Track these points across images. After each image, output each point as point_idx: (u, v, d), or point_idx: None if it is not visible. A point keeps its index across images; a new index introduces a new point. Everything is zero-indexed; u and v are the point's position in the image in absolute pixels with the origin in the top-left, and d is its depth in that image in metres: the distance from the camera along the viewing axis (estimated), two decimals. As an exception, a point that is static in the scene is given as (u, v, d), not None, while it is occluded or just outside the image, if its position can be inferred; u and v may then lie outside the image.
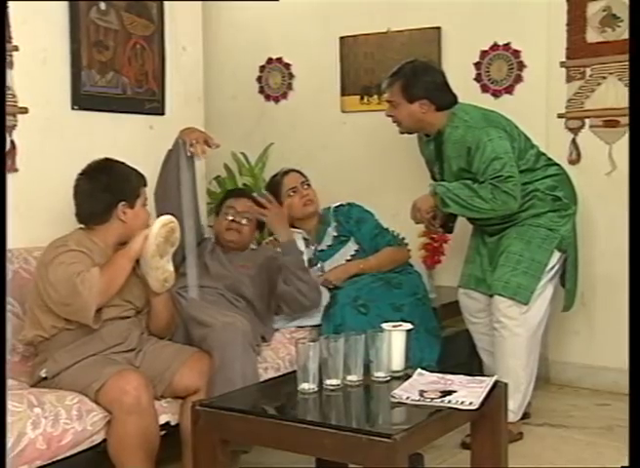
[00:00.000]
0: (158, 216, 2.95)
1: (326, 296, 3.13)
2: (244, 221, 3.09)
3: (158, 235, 2.39)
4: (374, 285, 3.12)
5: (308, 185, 3.35)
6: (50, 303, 2.42)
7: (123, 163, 2.60)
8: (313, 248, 3.31)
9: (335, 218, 3.32)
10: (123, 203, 2.52)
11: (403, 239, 3.34)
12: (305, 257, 3.19)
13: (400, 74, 3.07)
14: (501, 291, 3.00)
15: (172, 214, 2.83)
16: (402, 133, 3.21)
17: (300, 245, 3.26)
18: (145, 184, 2.63)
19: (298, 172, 3.39)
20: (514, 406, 2.96)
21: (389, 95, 3.11)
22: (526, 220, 3.06)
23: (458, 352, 3.27)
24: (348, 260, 3.24)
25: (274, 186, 3.35)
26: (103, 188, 2.52)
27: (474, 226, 3.28)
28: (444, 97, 3.07)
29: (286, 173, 3.37)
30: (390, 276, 3.19)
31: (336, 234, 3.30)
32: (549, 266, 3.05)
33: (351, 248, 3.27)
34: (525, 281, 3.00)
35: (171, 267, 2.52)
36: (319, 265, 3.26)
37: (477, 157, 2.95)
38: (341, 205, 3.37)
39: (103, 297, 2.40)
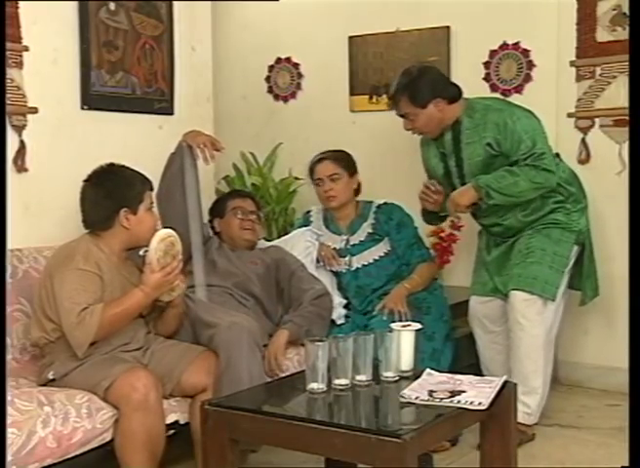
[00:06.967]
0: (161, 220, 2.96)
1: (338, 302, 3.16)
2: (256, 221, 3.18)
3: (157, 249, 2.38)
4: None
5: (336, 178, 3.23)
6: (50, 314, 2.42)
7: (127, 168, 2.58)
8: (345, 238, 3.29)
9: (374, 216, 3.28)
10: (125, 209, 2.50)
11: (430, 253, 3.35)
12: (335, 246, 3.26)
13: (401, 88, 3.03)
14: (528, 287, 2.93)
15: (177, 217, 2.84)
16: (430, 136, 3.16)
17: (309, 237, 3.27)
18: (151, 188, 2.61)
19: (334, 160, 3.27)
20: (532, 408, 2.96)
21: (400, 110, 3.07)
22: (543, 218, 3.04)
23: (467, 353, 3.25)
24: (376, 260, 3.22)
25: (309, 171, 3.32)
26: (105, 195, 2.51)
27: (483, 235, 3.26)
28: (451, 89, 3.07)
29: (320, 160, 3.28)
30: (420, 298, 3.13)
31: (371, 231, 3.26)
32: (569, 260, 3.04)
33: (382, 248, 3.23)
34: (551, 276, 2.96)
35: (176, 278, 2.48)
36: (347, 258, 3.25)
37: (508, 137, 2.94)
38: (385, 203, 3.31)
39: (103, 335, 2.39)
